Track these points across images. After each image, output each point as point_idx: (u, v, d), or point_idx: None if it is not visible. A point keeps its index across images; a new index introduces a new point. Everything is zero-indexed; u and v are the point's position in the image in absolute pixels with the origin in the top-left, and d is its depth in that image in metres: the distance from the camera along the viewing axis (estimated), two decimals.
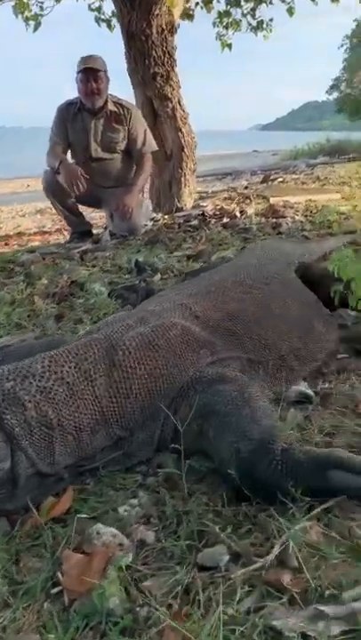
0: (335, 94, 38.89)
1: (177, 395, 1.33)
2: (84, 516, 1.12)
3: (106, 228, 4.92)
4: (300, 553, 0.99)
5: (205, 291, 1.67)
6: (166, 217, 5.45)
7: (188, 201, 6.01)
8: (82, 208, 4.74)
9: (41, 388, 1.19)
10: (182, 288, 1.76)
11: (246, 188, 8.20)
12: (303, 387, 1.62)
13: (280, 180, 9.36)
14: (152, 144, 4.56)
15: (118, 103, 4.34)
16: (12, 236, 5.83)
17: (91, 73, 4.05)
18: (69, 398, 1.22)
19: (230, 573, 0.96)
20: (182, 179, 5.88)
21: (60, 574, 0.97)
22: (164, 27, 5.10)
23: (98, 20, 7.86)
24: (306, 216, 5.26)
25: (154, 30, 5.04)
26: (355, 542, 1.01)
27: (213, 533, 1.05)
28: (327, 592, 0.91)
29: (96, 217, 5.93)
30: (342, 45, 37.33)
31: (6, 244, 5.29)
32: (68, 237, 4.81)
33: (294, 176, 10.48)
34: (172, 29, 5.22)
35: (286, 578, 0.94)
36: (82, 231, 4.64)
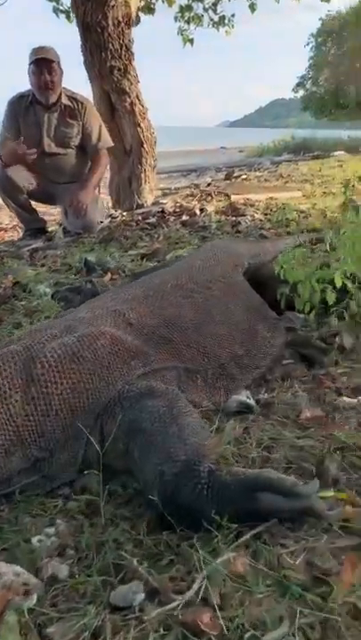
0: (301, 92, 39.25)
1: (103, 411, 1.23)
2: None
3: (60, 225, 4.78)
4: (224, 587, 0.91)
5: (143, 295, 1.57)
6: (125, 214, 5.34)
7: (148, 197, 5.90)
8: (37, 205, 4.58)
9: None
10: (119, 292, 1.66)
11: (209, 185, 8.13)
12: (244, 396, 1.54)
13: (244, 177, 9.32)
14: (107, 140, 4.44)
15: (72, 97, 4.20)
16: None
17: (44, 64, 3.90)
18: None
19: (144, 614, 0.87)
20: (142, 175, 5.77)
21: None
22: (121, 19, 4.97)
23: (56, 10, 7.67)
24: (266, 214, 5.21)
25: (110, 22, 4.90)
26: (281, 574, 0.93)
27: (131, 567, 0.96)
28: (247, 634, 0.83)
29: (55, 213, 5.77)
30: (308, 44, 37.74)
31: None
32: (21, 235, 4.65)
33: (258, 173, 10.47)
34: (129, 22, 5.09)
35: (205, 618, 0.86)
36: (35, 228, 4.49)
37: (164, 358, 1.40)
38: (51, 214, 5.41)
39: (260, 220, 4.85)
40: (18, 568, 0.94)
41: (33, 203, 4.47)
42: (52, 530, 1.09)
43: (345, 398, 1.53)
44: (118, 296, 1.60)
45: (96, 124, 4.32)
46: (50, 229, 4.69)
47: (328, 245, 2.68)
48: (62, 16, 7.73)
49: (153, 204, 5.84)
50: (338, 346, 1.86)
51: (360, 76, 32.40)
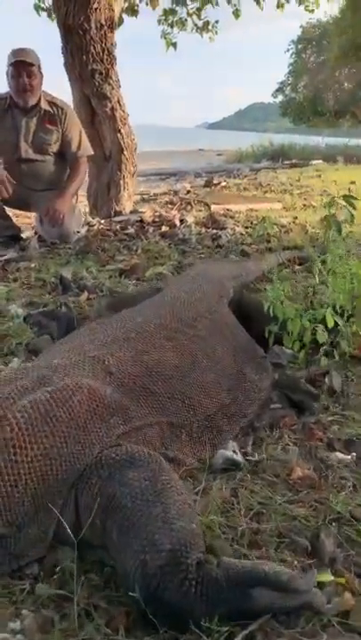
0: (280, 97, 39.55)
1: (78, 479, 1.10)
2: None
3: (36, 233, 4.61)
4: None
5: (124, 337, 1.45)
6: (103, 221, 5.19)
7: (127, 205, 5.76)
8: (10, 211, 4.41)
9: None
10: (98, 332, 1.53)
11: (188, 192, 8.03)
12: (231, 450, 1.43)
13: (223, 184, 9.24)
14: (87, 148, 4.29)
15: (52, 102, 4.03)
16: None
17: (23, 67, 3.73)
18: None
19: None
20: (121, 181, 5.63)
21: None
22: (104, 22, 4.82)
23: (37, 8, 7.48)
24: (246, 227, 5.14)
25: (93, 25, 4.75)
26: None
27: None
28: None
29: (26, 217, 5.58)
30: (288, 50, 38.06)
31: None
32: None
33: (237, 181, 10.43)
34: (112, 25, 4.95)
35: None
36: (9, 235, 4.30)
37: (147, 413, 1.28)
38: (24, 218, 5.23)
39: (241, 234, 4.76)
40: None
41: (7, 209, 4.29)
42: (17, 625, 0.96)
43: (338, 454, 1.43)
44: (97, 337, 1.47)
45: (76, 131, 4.16)
46: (24, 235, 4.52)
47: (316, 271, 2.61)
48: (44, 14, 7.55)
49: (131, 212, 5.70)
50: (327, 388, 1.77)
51: (338, 84, 32.80)
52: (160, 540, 0.94)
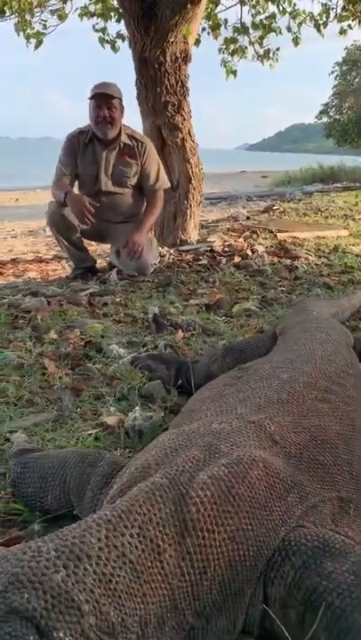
0: (325, 119, 39.54)
1: (265, 567, 1.02)
2: None
3: (110, 264, 4.63)
4: None
5: (276, 399, 1.37)
6: (172, 251, 5.18)
7: (192, 233, 5.76)
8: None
9: (99, 577, 0.87)
10: (244, 389, 1.45)
11: (248, 218, 7.98)
12: None
13: (280, 210, 9.16)
14: (165, 181, 4.30)
15: (132, 136, 4.07)
16: (5, 263, 5.51)
17: (103, 99, 3.78)
18: (134, 584, 0.90)
19: None
20: (188, 211, 5.64)
21: None
22: (179, 55, 4.87)
23: (102, 41, 7.67)
24: (319, 256, 5.04)
25: (168, 58, 4.80)
26: None
27: None
28: None
29: (99, 249, 5.62)
30: (333, 72, 38.13)
31: (1, 274, 4.98)
32: (69, 271, 4.50)
33: (293, 205, 10.35)
34: (187, 58, 5.00)
35: None
36: (85, 267, 4.33)
37: (319, 488, 1.19)
38: (93, 250, 5.27)
39: (316, 265, 4.66)
40: None
41: (85, 241, 4.33)
42: None
43: None
44: (246, 396, 1.40)
45: (155, 164, 4.18)
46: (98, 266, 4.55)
47: None
48: (107, 46, 7.74)
49: (198, 241, 5.68)
50: None
51: None
52: None
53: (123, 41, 7.52)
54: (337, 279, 4.09)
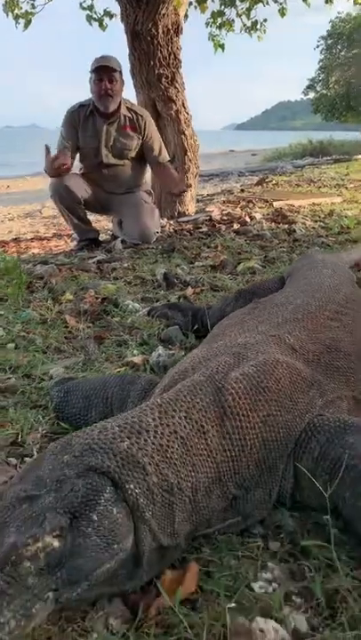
0: (311, 94, 39.28)
1: (294, 445, 1.18)
2: (232, 605, 0.96)
3: (113, 236, 4.75)
4: None
5: (292, 318, 1.52)
6: (171, 222, 5.30)
7: (190, 206, 5.87)
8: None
9: (157, 446, 1.03)
10: (262, 314, 1.61)
11: (243, 191, 8.09)
12: None
13: (273, 182, 9.26)
14: (166, 154, 4.42)
15: (132, 109, 4.17)
16: (8, 242, 5.62)
17: (105, 72, 3.87)
18: (185, 455, 1.06)
19: None
20: (185, 182, 5.73)
21: None
22: (170, 27, 4.95)
23: (90, 18, 7.67)
24: (315, 221, 5.16)
25: (160, 30, 4.88)
26: None
27: None
28: None
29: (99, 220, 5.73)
30: (318, 46, 37.78)
31: (5, 251, 5.09)
32: (74, 244, 4.61)
33: (285, 178, 10.44)
34: (178, 30, 5.07)
35: None
36: (90, 239, 4.45)
37: (335, 387, 1.34)
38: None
39: (313, 228, 4.79)
40: (274, 623, 0.89)
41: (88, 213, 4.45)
42: (269, 575, 1.03)
43: None
44: (265, 319, 1.55)
45: (157, 137, 4.31)
46: (101, 239, 4.67)
47: None
48: (95, 24, 7.74)
49: (197, 212, 5.80)
50: None
51: None
52: None
53: (110, 19, 7.56)
54: (334, 239, 4.24)
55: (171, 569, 1.05)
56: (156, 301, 2.72)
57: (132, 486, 0.96)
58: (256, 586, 1.01)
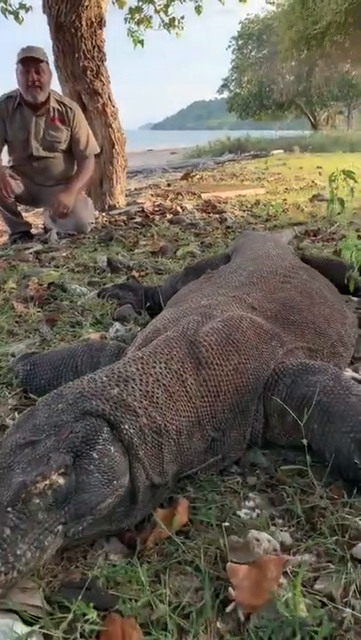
0: (226, 94, 40.20)
1: (263, 389, 1.28)
2: (227, 524, 1.04)
3: (45, 228, 4.71)
4: None
5: (248, 282, 1.63)
6: (104, 214, 5.32)
7: (120, 198, 5.89)
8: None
9: (144, 393, 1.10)
10: (219, 281, 1.70)
11: (169, 185, 8.20)
12: (350, 373, 1.63)
13: (198, 176, 9.45)
14: (95, 146, 4.43)
15: (61, 101, 4.15)
16: None
17: (32, 63, 3.83)
18: (169, 401, 1.13)
19: None
20: (114, 175, 5.76)
21: (231, 589, 0.89)
22: (94, 19, 4.96)
23: (4, 11, 7.49)
24: (243, 210, 5.36)
25: (83, 23, 4.88)
26: None
27: (354, 526, 1.02)
28: None
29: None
30: (229, 46, 38.65)
31: None
32: (6, 238, 4.53)
33: (209, 173, 10.67)
34: (101, 22, 5.09)
35: None
36: (22, 232, 4.39)
37: (293, 339, 1.46)
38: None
39: (242, 217, 4.98)
40: (266, 534, 0.98)
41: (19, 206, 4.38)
42: (251, 503, 1.13)
43: None
44: (223, 285, 1.65)
45: (84, 129, 4.30)
46: (33, 231, 4.61)
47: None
48: (11, 17, 7.58)
49: (128, 204, 5.84)
50: None
51: (281, 77, 33.52)
52: None
53: (26, 11, 7.43)
54: (263, 225, 4.43)
55: (161, 508, 1.12)
56: (104, 284, 2.76)
57: (126, 427, 1.02)
58: (241, 513, 1.10)
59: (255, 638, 0.83)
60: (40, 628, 0.84)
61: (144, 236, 4.18)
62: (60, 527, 0.90)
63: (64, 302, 2.50)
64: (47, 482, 0.89)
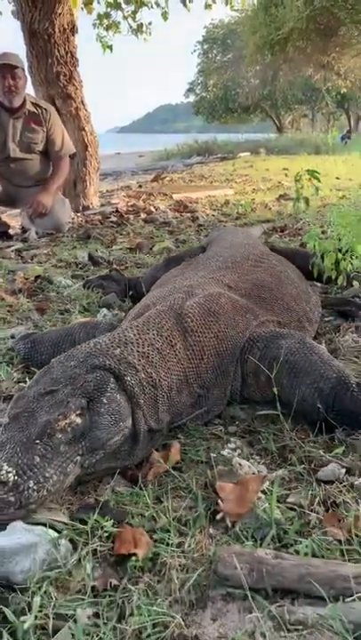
0: (192, 97, 40.65)
1: (240, 353, 1.50)
2: (215, 455, 1.25)
3: (23, 228, 4.84)
4: None
5: (224, 266, 1.84)
6: (78, 214, 5.48)
7: (93, 199, 6.05)
8: None
9: (141, 353, 1.30)
10: (197, 267, 1.91)
11: (140, 186, 8.40)
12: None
13: (168, 178, 9.67)
14: (70, 147, 4.59)
15: (36, 104, 4.31)
16: None
17: (8, 69, 3.99)
18: (161, 361, 1.34)
19: (352, 482, 1.16)
20: (87, 177, 5.92)
21: (220, 502, 1.10)
22: (67, 26, 5.12)
23: None
24: (214, 209, 5.59)
25: (57, 30, 5.04)
26: None
27: (318, 457, 1.24)
28: None
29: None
30: (195, 50, 39.08)
31: None
32: None
33: (178, 175, 10.90)
34: (74, 29, 5.25)
35: None
36: (0, 232, 4.53)
37: (264, 313, 1.68)
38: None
39: (213, 215, 5.21)
40: (246, 462, 1.19)
41: None
42: (232, 445, 1.34)
43: None
44: (201, 269, 1.86)
45: (59, 130, 4.46)
46: (11, 232, 4.74)
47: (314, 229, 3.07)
48: None
49: (102, 205, 6.01)
50: None
51: (246, 81, 34.06)
52: (326, 372, 1.36)
53: None
54: (233, 223, 4.67)
55: (157, 451, 1.32)
56: (87, 277, 2.94)
57: (128, 378, 1.22)
58: (225, 452, 1.31)
59: (241, 536, 1.04)
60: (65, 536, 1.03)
61: (120, 234, 4.38)
62: (78, 458, 1.10)
63: (51, 293, 2.68)
64: (67, 420, 1.09)
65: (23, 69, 4.15)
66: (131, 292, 2.50)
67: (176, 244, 3.85)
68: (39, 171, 4.50)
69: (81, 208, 5.86)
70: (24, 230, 4.71)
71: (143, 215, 5.12)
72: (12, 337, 2.03)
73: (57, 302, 2.54)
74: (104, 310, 2.24)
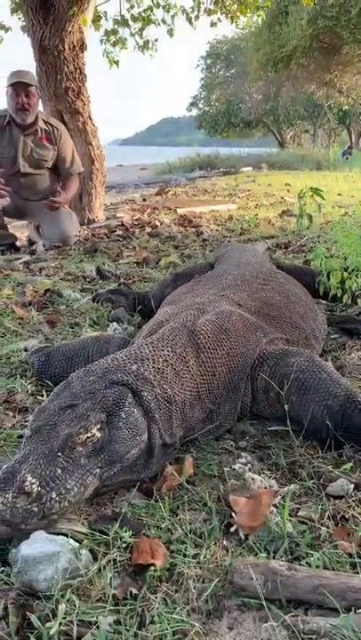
0: (194, 111, 41.10)
1: (251, 370, 1.54)
2: (228, 469, 1.29)
3: (30, 241, 4.91)
4: None
5: (233, 284, 1.89)
6: (84, 228, 5.55)
7: (99, 213, 6.13)
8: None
9: (157, 369, 1.34)
10: (207, 284, 1.96)
11: (144, 200, 8.49)
12: None
13: (171, 192, 9.77)
14: (79, 164, 4.68)
15: (48, 122, 4.40)
16: None
17: (22, 87, 4.07)
18: (176, 377, 1.38)
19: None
20: (93, 191, 6.00)
21: (233, 515, 1.14)
22: (76, 43, 5.22)
23: None
24: (218, 224, 5.66)
25: (66, 46, 5.14)
26: None
27: (327, 472, 1.28)
28: None
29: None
30: (198, 65, 39.59)
31: None
32: None
33: (181, 189, 11.00)
34: (83, 46, 5.36)
35: None
36: (7, 244, 4.59)
37: (273, 331, 1.72)
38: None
39: (218, 230, 5.28)
40: (258, 476, 1.23)
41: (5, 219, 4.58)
42: (243, 460, 1.38)
43: None
44: (212, 287, 1.91)
45: (70, 148, 4.55)
46: (18, 244, 4.81)
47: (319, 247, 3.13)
48: None
49: (107, 218, 6.09)
50: None
51: (249, 96, 34.42)
52: (334, 390, 1.40)
53: (6, 32, 7.66)
54: (237, 239, 4.73)
55: (170, 465, 1.37)
56: (96, 291, 2.99)
57: (145, 394, 1.27)
58: (236, 466, 1.35)
59: (254, 548, 1.08)
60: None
61: (126, 248, 4.44)
62: (97, 470, 1.14)
63: (61, 306, 2.72)
64: (88, 434, 1.13)
65: (37, 87, 4.24)
66: (140, 307, 2.55)
67: (182, 258, 3.91)
68: (47, 186, 4.57)
69: (86, 221, 5.93)
70: (31, 242, 4.78)
71: (148, 229, 5.19)
72: (26, 350, 2.07)
73: (67, 315, 2.59)
74: (114, 324, 2.29)
